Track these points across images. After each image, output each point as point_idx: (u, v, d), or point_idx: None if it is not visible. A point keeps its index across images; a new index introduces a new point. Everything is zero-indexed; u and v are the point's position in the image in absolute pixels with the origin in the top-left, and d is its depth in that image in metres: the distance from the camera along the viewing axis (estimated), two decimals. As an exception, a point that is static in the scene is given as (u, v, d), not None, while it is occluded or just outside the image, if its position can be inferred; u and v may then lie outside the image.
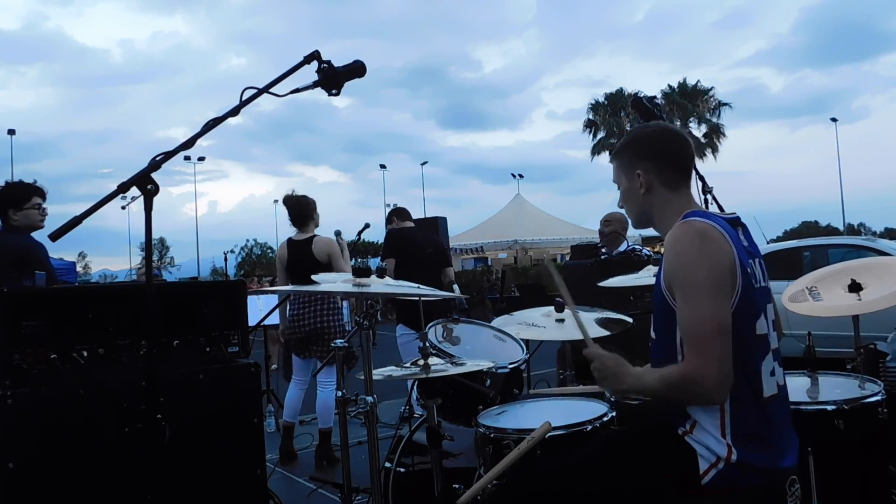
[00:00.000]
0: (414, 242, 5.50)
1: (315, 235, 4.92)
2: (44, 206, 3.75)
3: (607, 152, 39.35)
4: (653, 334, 1.81)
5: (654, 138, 1.89)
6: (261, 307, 6.63)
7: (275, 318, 6.27)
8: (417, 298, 3.98)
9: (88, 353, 2.18)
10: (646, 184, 1.87)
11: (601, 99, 40.31)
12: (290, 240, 4.99)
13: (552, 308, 3.04)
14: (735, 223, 1.79)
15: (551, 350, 4.47)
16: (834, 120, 42.00)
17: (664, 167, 1.85)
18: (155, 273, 2.00)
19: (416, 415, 3.09)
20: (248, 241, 60.50)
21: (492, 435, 2.22)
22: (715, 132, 37.09)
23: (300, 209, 4.96)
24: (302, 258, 4.81)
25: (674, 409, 1.75)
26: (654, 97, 3.31)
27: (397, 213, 5.90)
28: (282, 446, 4.99)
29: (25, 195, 3.69)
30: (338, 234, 5.22)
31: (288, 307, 4.99)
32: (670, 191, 1.85)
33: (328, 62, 1.79)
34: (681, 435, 1.70)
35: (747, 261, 1.71)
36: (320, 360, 4.75)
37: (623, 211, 2.05)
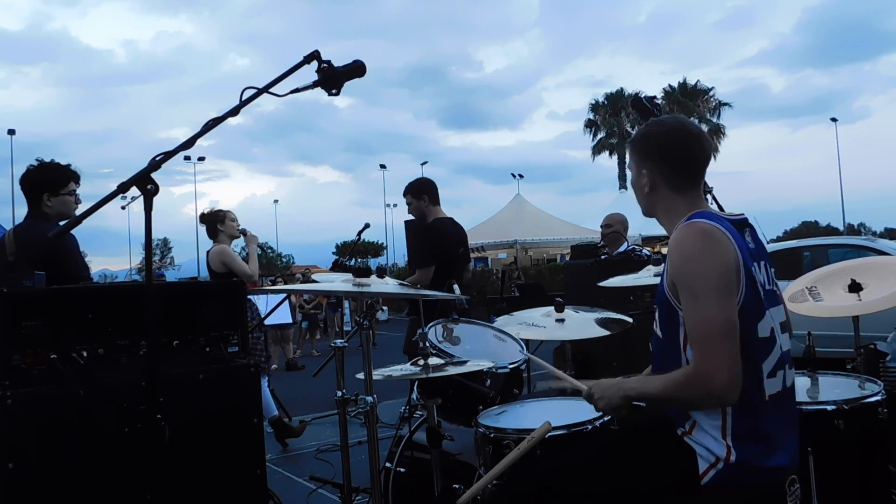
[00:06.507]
0: (452, 241, 4.63)
1: (211, 248, 5.20)
2: (77, 192, 3.33)
3: (607, 152, 39.45)
4: (658, 333, 1.80)
5: (663, 139, 1.85)
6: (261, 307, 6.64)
7: (275, 318, 6.28)
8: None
9: (88, 353, 2.18)
10: (650, 184, 1.86)
11: (601, 99, 40.35)
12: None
13: (552, 308, 3.04)
14: (741, 225, 1.77)
15: (552, 350, 4.47)
16: (834, 120, 41.98)
17: (668, 171, 1.83)
18: (157, 273, 1.99)
19: (416, 415, 3.09)
20: (248, 240, 60.34)
21: (492, 435, 2.22)
22: (715, 132, 37.10)
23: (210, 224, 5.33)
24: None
25: (674, 410, 1.75)
26: (655, 97, 3.31)
27: (428, 192, 4.63)
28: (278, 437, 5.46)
29: (64, 179, 3.27)
30: (243, 231, 5.32)
31: None
32: (675, 193, 1.84)
33: (328, 62, 1.79)
34: (680, 435, 1.70)
35: (752, 263, 1.70)
36: None
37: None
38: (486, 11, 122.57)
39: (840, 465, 2.19)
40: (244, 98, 1.71)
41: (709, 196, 2.80)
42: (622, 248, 5.09)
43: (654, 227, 1.98)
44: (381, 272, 2.69)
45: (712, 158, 2.01)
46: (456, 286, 3.39)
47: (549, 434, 2.00)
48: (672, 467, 1.69)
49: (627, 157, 2.01)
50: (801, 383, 2.51)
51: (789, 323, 1.89)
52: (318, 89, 1.80)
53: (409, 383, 3.18)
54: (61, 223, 3.25)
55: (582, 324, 2.99)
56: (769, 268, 1.80)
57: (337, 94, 1.82)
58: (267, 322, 6.26)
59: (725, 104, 39.29)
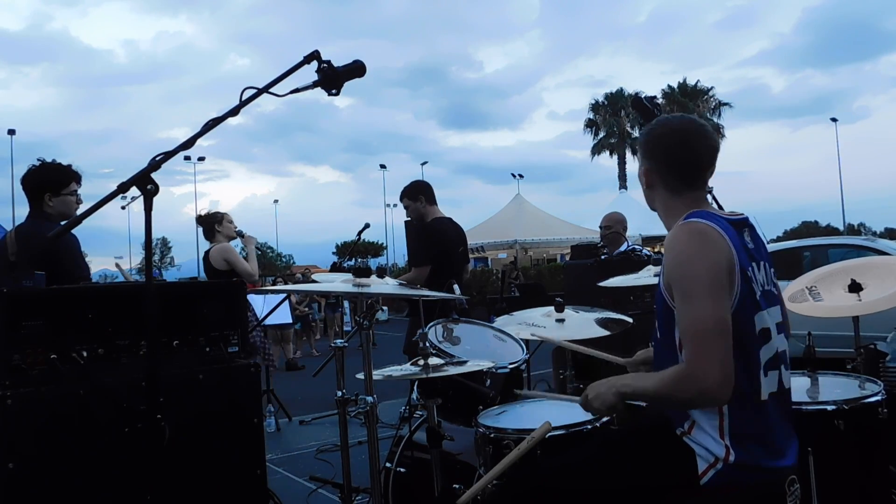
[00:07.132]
0: (451, 241, 4.60)
1: (211, 247, 5.28)
2: (79, 192, 3.33)
3: (607, 152, 39.45)
4: (657, 333, 1.80)
5: (665, 140, 1.84)
6: (261, 307, 6.62)
7: (275, 318, 6.24)
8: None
9: (88, 353, 2.18)
10: (647, 183, 1.89)
11: (602, 99, 40.38)
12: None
13: (552, 308, 3.04)
14: (740, 225, 1.76)
15: (551, 350, 4.47)
16: (834, 120, 41.89)
17: (666, 172, 1.84)
18: (154, 273, 1.99)
19: (416, 415, 3.09)
20: (248, 240, 60.29)
21: (492, 435, 2.22)
22: (714, 132, 37.10)
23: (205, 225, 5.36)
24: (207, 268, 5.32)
25: (673, 410, 1.75)
26: (655, 97, 3.31)
27: (424, 193, 4.68)
28: None
29: (66, 179, 3.28)
30: (240, 233, 5.34)
31: None
32: (672, 194, 1.84)
33: (328, 62, 1.79)
34: (679, 435, 1.70)
35: (748, 264, 1.69)
36: None
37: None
38: (486, 11, 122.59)
39: (840, 465, 2.19)
40: (244, 98, 1.71)
41: (709, 196, 2.80)
42: (622, 248, 5.09)
43: (654, 228, 1.99)
44: (381, 272, 2.69)
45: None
46: (456, 286, 3.39)
47: (549, 434, 2.00)
48: (671, 467, 1.69)
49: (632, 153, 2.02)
50: (802, 383, 2.51)
51: (788, 324, 1.89)
52: (318, 89, 1.81)
53: (409, 383, 3.18)
54: (62, 223, 3.23)
55: (582, 324, 2.99)
56: (769, 268, 1.80)
57: (337, 94, 1.82)
58: (267, 322, 6.24)
59: (725, 104, 39.33)
